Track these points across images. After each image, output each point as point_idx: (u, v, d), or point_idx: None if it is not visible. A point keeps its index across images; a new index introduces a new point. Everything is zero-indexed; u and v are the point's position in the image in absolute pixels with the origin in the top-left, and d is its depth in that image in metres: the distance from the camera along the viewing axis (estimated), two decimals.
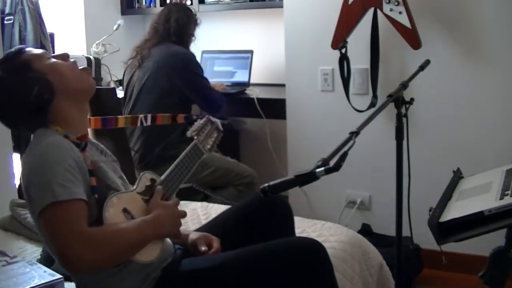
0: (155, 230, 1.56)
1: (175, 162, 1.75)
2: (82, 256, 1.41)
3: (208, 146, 1.89)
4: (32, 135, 1.64)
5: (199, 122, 1.88)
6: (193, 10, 3.43)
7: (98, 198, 1.53)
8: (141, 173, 1.70)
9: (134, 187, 1.65)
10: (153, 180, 1.69)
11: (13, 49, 1.67)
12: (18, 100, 1.58)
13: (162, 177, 1.71)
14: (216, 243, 1.77)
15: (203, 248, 1.74)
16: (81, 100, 1.68)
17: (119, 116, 1.83)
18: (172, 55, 3.22)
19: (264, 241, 1.74)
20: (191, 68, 3.24)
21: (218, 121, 1.96)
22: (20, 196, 3.23)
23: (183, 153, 1.78)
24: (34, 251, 2.17)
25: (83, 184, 1.51)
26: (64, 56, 1.68)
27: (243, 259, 1.64)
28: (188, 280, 1.63)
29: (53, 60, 1.66)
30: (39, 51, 1.66)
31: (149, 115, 1.87)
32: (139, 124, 1.88)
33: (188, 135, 1.84)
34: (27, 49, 1.66)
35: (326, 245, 2.12)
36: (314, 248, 1.67)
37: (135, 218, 1.57)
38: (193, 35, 3.37)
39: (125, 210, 1.55)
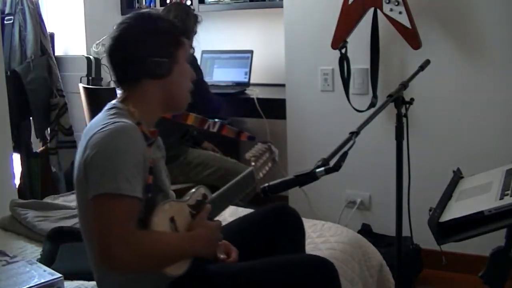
0: (194, 249, 1.57)
1: (228, 184, 1.73)
2: (121, 256, 1.40)
3: (261, 175, 1.85)
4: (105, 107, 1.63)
5: (260, 147, 1.84)
6: (193, 8, 3.41)
7: (150, 198, 1.52)
8: (197, 187, 1.69)
9: (187, 198, 1.64)
10: (204, 196, 1.68)
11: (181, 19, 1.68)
12: (142, 48, 1.59)
13: (214, 195, 1.70)
14: (234, 253, 1.77)
15: (222, 256, 1.74)
16: (168, 107, 1.69)
17: (190, 113, 1.80)
18: None
19: (274, 251, 1.76)
20: None
21: (276, 152, 1.93)
22: (20, 196, 3.23)
23: (238, 177, 1.76)
24: (34, 251, 2.17)
25: (142, 181, 1.50)
26: (193, 76, 1.72)
27: (257, 271, 1.65)
28: (201, 284, 1.63)
29: (189, 67, 1.70)
30: (191, 46, 1.68)
31: (218, 123, 1.84)
32: (205, 127, 1.85)
33: (246, 158, 1.81)
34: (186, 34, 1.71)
35: (326, 246, 2.13)
36: (327, 268, 1.68)
37: (178, 230, 1.56)
38: (193, 31, 3.33)
39: (172, 220, 1.55)
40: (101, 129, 1.52)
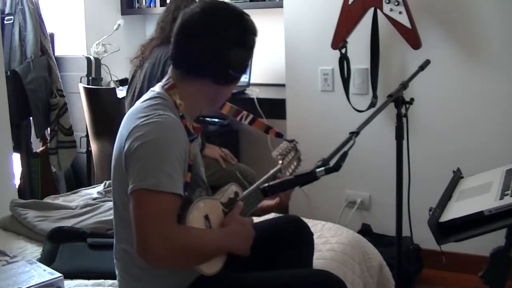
0: (230, 245, 1.55)
1: (257, 182, 1.73)
2: (158, 253, 1.39)
3: (287, 173, 1.87)
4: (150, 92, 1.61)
5: (286, 145, 1.84)
6: None
7: (186, 196, 1.51)
8: (229, 184, 1.68)
9: (220, 195, 1.64)
10: (236, 194, 1.68)
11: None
12: (226, 56, 1.56)
13: (244, 193, 1.70)
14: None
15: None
16: (209, 105, 1.69)
17: (227, 103, 1.78)
18: (168, 58, 3.07)
19: (282, 261, 1.77)
20: None
21: (300, 151, 1.94)
22: (20, 196, 3.23)
23: (266, 175, 1.77)
24: (34, 250, 2.16)
25: (182, 178, 1.49)
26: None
27: (268, 283, 1.64)
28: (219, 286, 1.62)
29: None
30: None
31: (250, 115, 1.84)
32: (238, 119, 1.83)
33: (273, 156, 1.81)
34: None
35: (326, 247, 2.13)
36: (338, 286, 1.68)
37: (212, 227, 1.55)
38: None
39: (206, 217, 1.54)
40: (144, 121, 1.48)
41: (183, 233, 1.46)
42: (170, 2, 3.22)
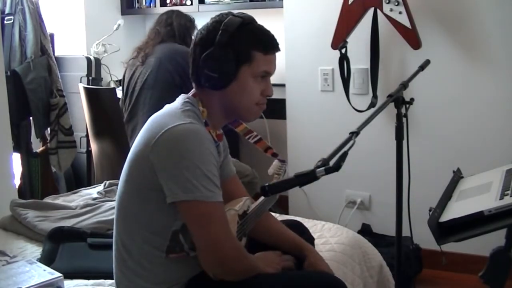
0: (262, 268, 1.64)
1: (260, 200, 1.80)
2: (228, 262, 1.50)
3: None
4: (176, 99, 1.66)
5: (279, 165, 1.91)
6: (190, 16, 3.41)
7: None
8: (246, 198, 1.77)
9: (238, 207, 1.70)
10: (247, 208, 1.76)
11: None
12: (198, 58, 1.58)
13: (252, 209, 1.77)
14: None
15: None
16: (231, 115, 1.69)
17: (244, 123, 1.84)
18: (175, 52, 3.17)
19: None
20: None
21: (287, 173, 2.00)
22: (20, 196, 3.23)
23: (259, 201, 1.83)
24: (34, 250, 2.16)
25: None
26: (267, 92, 1.68)
27: (269, 282, 1.65)
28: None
29: (254, 83, 1.63)
30: (272, 60, 1.65)
31: (258, 136, 1.93)
32: (247, 137, 1.89)
33: (269, 173, 1.89)
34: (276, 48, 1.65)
35: (326, 247, 2.13)
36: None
37: None
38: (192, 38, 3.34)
39: None
40: (176, 125, 1.50)
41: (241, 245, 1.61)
42: (162, 13, 3.38)
